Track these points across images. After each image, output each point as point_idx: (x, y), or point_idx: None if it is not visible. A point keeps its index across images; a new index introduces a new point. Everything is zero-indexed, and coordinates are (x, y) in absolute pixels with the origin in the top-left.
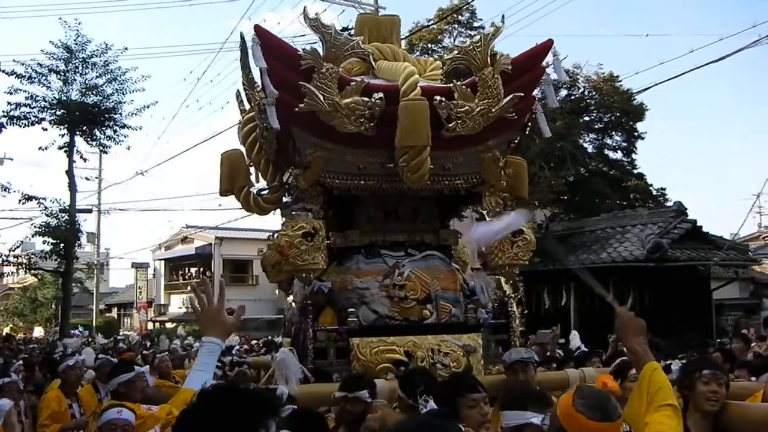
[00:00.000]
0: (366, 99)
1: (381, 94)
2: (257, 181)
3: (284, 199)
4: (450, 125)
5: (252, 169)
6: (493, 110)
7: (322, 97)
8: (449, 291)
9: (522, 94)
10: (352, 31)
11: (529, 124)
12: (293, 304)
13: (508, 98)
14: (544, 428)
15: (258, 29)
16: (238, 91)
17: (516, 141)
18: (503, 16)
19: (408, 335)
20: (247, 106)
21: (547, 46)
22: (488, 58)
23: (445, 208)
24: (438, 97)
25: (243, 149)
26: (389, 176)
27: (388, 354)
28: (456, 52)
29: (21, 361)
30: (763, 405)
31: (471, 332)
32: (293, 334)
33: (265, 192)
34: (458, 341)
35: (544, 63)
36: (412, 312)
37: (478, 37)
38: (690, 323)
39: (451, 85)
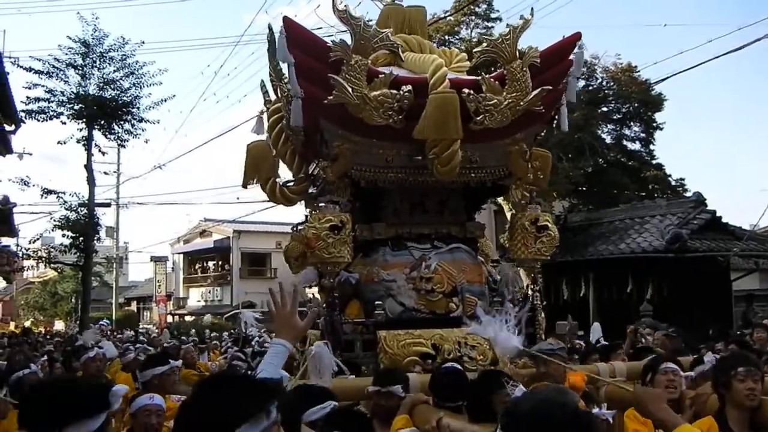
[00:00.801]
0: (394, 91)
1: (410, 87)
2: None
3: (310, 191)
4: (478, 118)
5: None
6: (521, 103)
7: (350, 90)
8: (475, 284)
9: (550, 87)
10: (372, 21)
11: (556, 117)
12: (316, 296)
13: (536, 91)
14: None
15: (287, 21)
16: (262, 81)
17: (542, 134)
18: (532, 9)
19: (435, 328)
20: (273, 97)
21: (575, 39)
22: (516, 51)
23: (472, 200)
24: (467, 90)
25: (269, 140)
26: (416, 169)
27: (415, 347)
28: (485, 44)
29: (45, 356)
30: None
31: None
32: (322, 327)
33: (291, 183)
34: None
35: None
36: (439, 305)
37: (507, 30)
38: (710, 314)
39: (480, 78)
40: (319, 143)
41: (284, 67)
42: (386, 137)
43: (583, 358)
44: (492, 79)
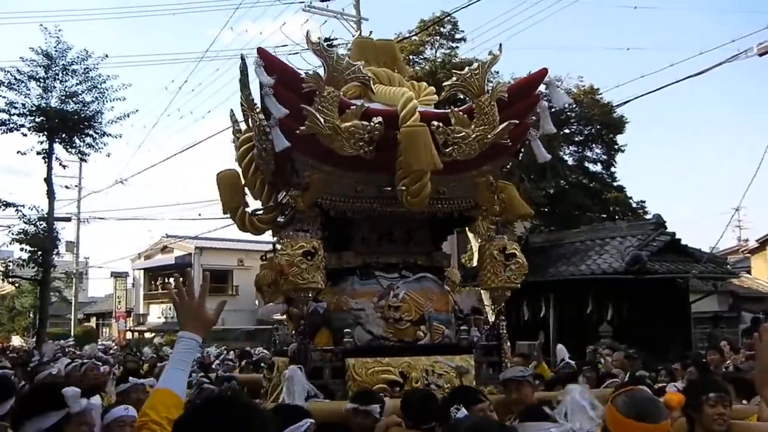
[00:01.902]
0: (365, 123)
1: (380, 119)
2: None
3: (278, 219)
4: (447, 150)
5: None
6: (489, 136)
7: (323, 120)
8: (442, 312)
9: (517, 121)
10: (335, 43)
11: (522, 149)
12: (285, 324)
13: (503, 125)
14: None
15: (261, 52)
16: (232, 110)
17: (507, 166)
18: (500, 45)
19: (402, 356)
20: (243, 127)
21: (541, 74)
22: (484, 85)
23: (439, 231)
24: (436, 123)
25: (239, 169)
26: (385, 199)
27: (383, 374)
28: (454, 78)
29: None
30: (763, 424)
31: (463, 353)
32: (291, 355)
33: (260, 212)
34: (451, 362)
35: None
36: (407, 333)
37: (476, 65)
38: (669, 335)
39: (448, 111)
40: (290, 172)
41: (257, 97)
42: (357, 168)
43: (548, 387)
44: (461, 113)
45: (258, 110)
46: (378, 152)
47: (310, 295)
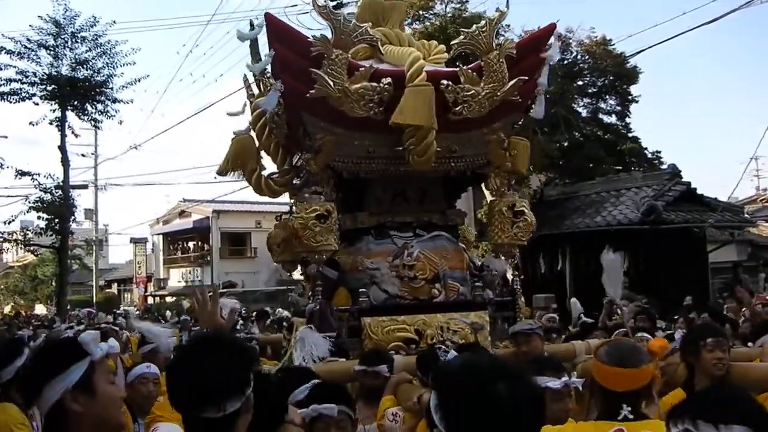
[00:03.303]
0: (374, 84)
1: (389, 79)
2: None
3: (294, 182)
4: (456, 109)
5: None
6: (499, 94)
7: (332, 83)
8: (457, 270)
9: (526, 78)
10: (348, 8)
11: (533, 105)
12: (303, 285)
13: (512, 82)
14: (563, 392)
15: (268, 17)
16: (245, 75)
17: (519, 122)
18: (507, 1)
19: (418, 314)
20: (256, 91)
21: (550, 29)
22: (493, 43)
23: (452, 188)
24: (445, 81)
25: (254, 133)
26: (397, 159)
27: (398, 333)
28: (462, 37)
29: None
30: (761, 365)
31: (478, 310)
32: (307, 314)
33: (276, 175)
34: (466, 319)
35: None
36: (422, 291)
37: (483, 22)
38: (686, 285)
39: (457, 69)
40: (302, 136)
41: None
42: (367, 129)
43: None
44: (470, 71)
45: (268, 74)
46: (388, 113)
47: (324, 257)
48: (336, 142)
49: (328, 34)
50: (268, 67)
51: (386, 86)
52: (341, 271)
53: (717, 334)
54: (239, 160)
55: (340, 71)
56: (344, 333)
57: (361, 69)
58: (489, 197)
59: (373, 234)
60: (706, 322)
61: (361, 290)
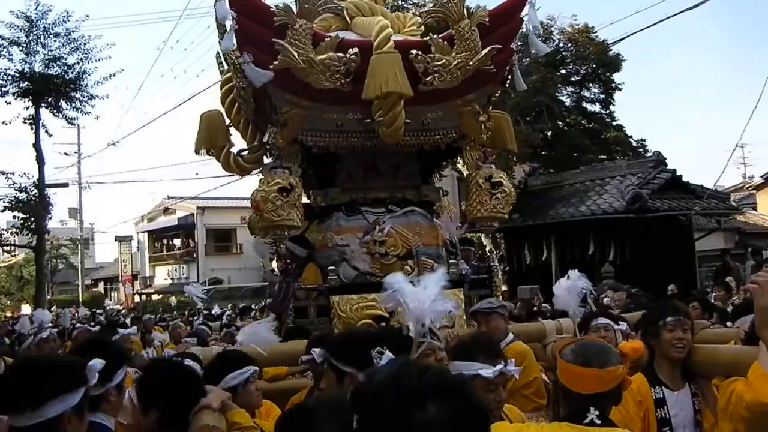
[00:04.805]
0: (341, 55)
1: (356, 50)
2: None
3: (266, 160)
4: (427, 79)
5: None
6: (471, 63)
7: (296, 54)
8: (431, 246)
9: (500, 46)
10: None
11: (509, 77)
12: (274, 265)
13: (485, 51)
14: (496, 382)
15: None
16: (218, 52)
17: (496, 95)
18: None
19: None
20: (226, 67)
21: None
22: (464, 11)
23: (427, 163)
24: (414, 51)
25: (223, 110)
26: (368, 133)
27: (369, 310)
28: (432, 5)
29: None
30: (730, 347)
31: (453, 288)
32: (273, 293)
33: (245, 152)
34: None
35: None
36: (393, 268)
37: None
38: (673, 274)
39: (428, 38)
40: (269, 110)
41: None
42: (335, 101)
43: None
44: (441, 39)
45: (234, 48)
46: (356, 84)
47: (286, 233)
48: (303, 115)
49: (293, 5)
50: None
51: (353, 56)
52: (311, 249)
53: (677, 312)
54: (208, 136)
55: (305, 42)
56: (312, 312)
57: (326, 39)
58: (465, 172)
59: (344, 210)
60: (667, 301)
61: (330, 268)
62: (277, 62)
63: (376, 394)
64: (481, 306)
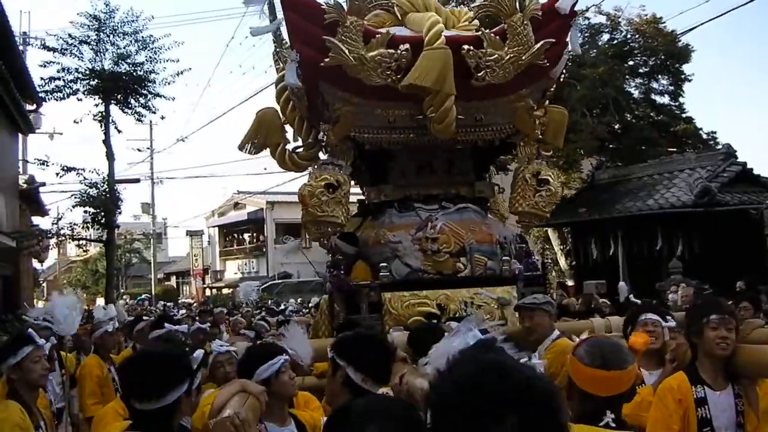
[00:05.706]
0: (392, 51)
1: (407, 46)
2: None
3: (321, 157)
4: (479, 74)
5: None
6: (524, 58)
7: (347, 51)
8: (485, 244)
9: (553, 40)
10: None
11: (565, 72)
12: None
13: (538, 45)
14: None
15: None
16: (275, 50)
17: (551, 90)
18: None
19: (441, 288)
20: (281, 66)
21: None
22: (516, 5)
23: (481, 160)
24: (466, 46)
25: (278, 107)
26: (421, 129)
27: (420, 307)
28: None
29: None
30: None
31: (506, 285)
32: (328, 289)
33: (300, 149)
34: (492, 294)
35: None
36: (445, 265)
37: None
38: (743, 270)
39: (479, 33)
40: (321, 107)
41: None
42: (387, 97)
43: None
44: (493, 34)
45: (286, 45)
46: None
47: (330, 229)
48: (354, 112)
49: (344, 3)
50: (287, 39)
51: (404, 52)
52: (363, 246)
53: (722, 311)
54: (263, 134)
55: (356, 38)
56: (364, 309)
57: (377, 36)
58: (516, 167)
59: (397, 207)
60: (713, 298)
61: (381, 264)
62: (328, 59)
63: (452, 396)
64: (525, 301)
